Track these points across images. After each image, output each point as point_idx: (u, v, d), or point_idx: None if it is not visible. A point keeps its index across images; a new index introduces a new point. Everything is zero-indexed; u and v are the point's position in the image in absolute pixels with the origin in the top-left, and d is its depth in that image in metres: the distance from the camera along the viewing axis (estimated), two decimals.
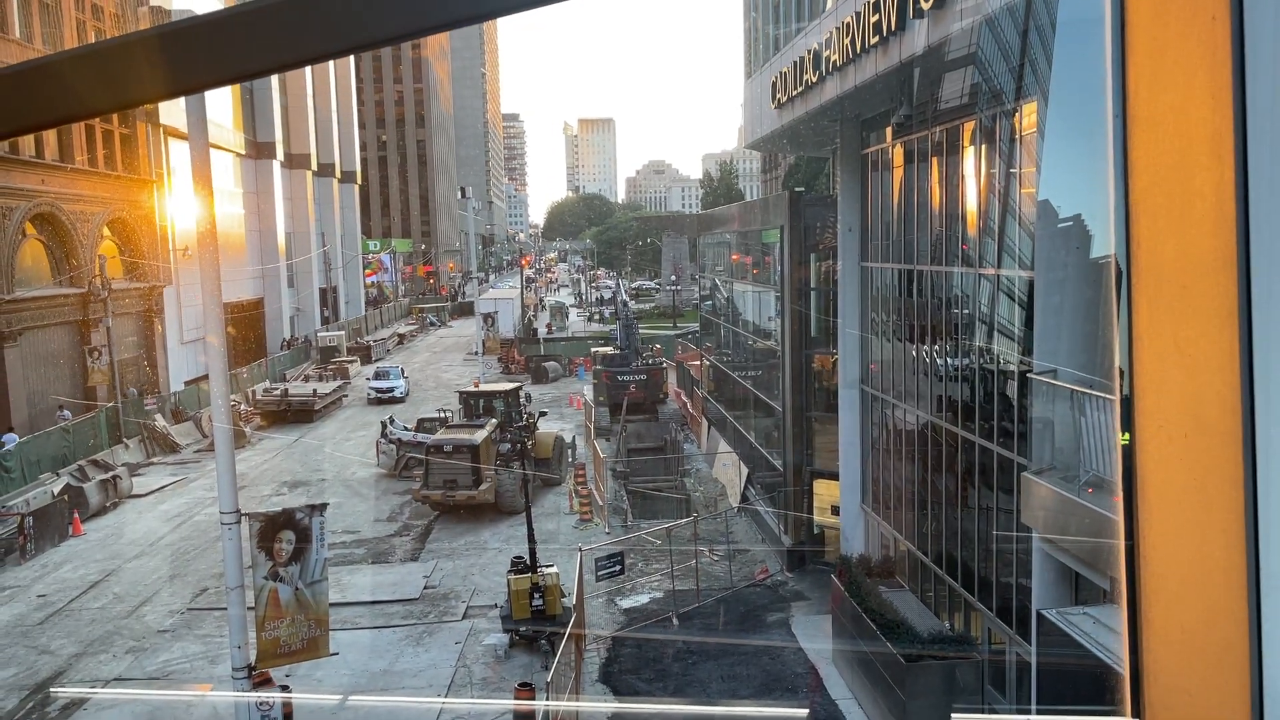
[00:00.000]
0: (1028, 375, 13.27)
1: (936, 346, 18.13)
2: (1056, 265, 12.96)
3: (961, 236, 16.86)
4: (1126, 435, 1.38)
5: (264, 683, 15.12)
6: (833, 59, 19.04)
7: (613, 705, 17.94)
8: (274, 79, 65.20)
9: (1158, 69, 1.24)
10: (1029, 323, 13.68)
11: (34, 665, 19.76)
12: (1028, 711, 13.30)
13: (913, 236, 19.16)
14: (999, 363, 15.30)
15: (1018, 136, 14.59)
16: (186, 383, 45.74)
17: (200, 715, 17.46)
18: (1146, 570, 1.34)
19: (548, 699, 15.31)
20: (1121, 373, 1.37)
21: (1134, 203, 1.29)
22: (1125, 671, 1.39)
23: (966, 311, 16.85)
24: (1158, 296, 1.26)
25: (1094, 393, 10.97)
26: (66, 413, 35.94)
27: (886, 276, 20.84)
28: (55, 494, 29.26)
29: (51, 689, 18.67)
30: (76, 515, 28.59)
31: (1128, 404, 1.35)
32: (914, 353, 19.21)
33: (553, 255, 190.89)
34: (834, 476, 23.65)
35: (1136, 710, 1.36)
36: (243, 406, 43.06)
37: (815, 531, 25.25)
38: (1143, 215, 1.28)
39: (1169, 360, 1.26)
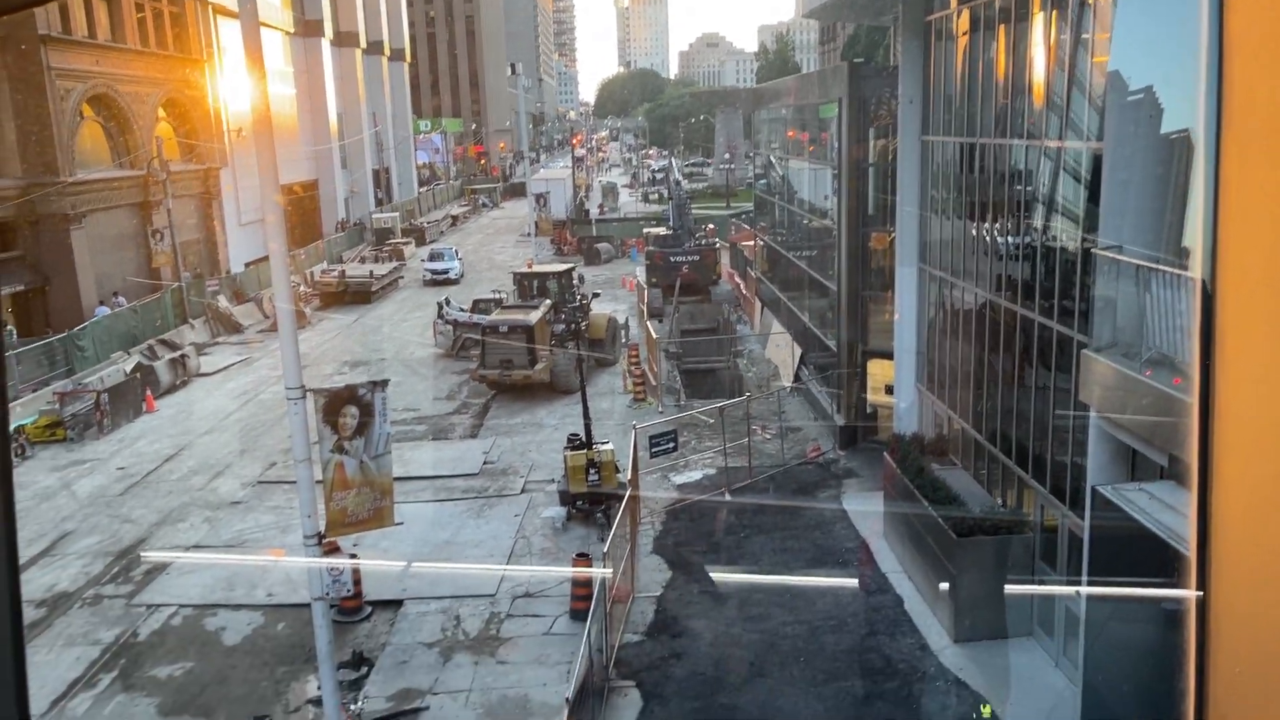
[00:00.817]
0: (1091, 251, 12.97)
1: (997, 223, 17.73)
2: (1126, 139, 12.49)
3: (1027, 108, 16.28)
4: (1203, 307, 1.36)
5: (333, 550, 15.81)
6: None
7: (667, 575, 18.49)
8: None
9: None
10: (1094, 198, 13.29)
11: (117, 533, 20.81)
12: (1077, 582, 13.47)
13: (976, 109, 18.53)
14: (1061, 239, 14.94)
15: (1090, 2, 13.89)
16: (246, 264, 46.47)
17: (274, 580, 18.36)
18: (1220, 439, 1.35)
19: (604, 569, 15.83)
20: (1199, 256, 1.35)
21: (1229, 44, 1.24)
22: (1191, 546, 1.41)
23: (1029, 187, 16.39)
24: (1249, 145, 1.22)
25: (1160, 268, 10.70)
26: (121, 299, 36.65)
27: (947, 151, 20.27)
28: (128, 372, 30.28)
29: (141, 551, 19.71)
30: (149, 392, 29.61)
31: (1210, 273, 1.33)
32: (974, 230, 18.81)
33: (604, 134, 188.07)
34: (888, 356, 23.55)
35: (1201, 584, 1.38)
36: (301, 288, 43.76)
37: (868, 410, 25.31)
38: (1237, 55, 1.23)
39: (1258, 225, 1.22)
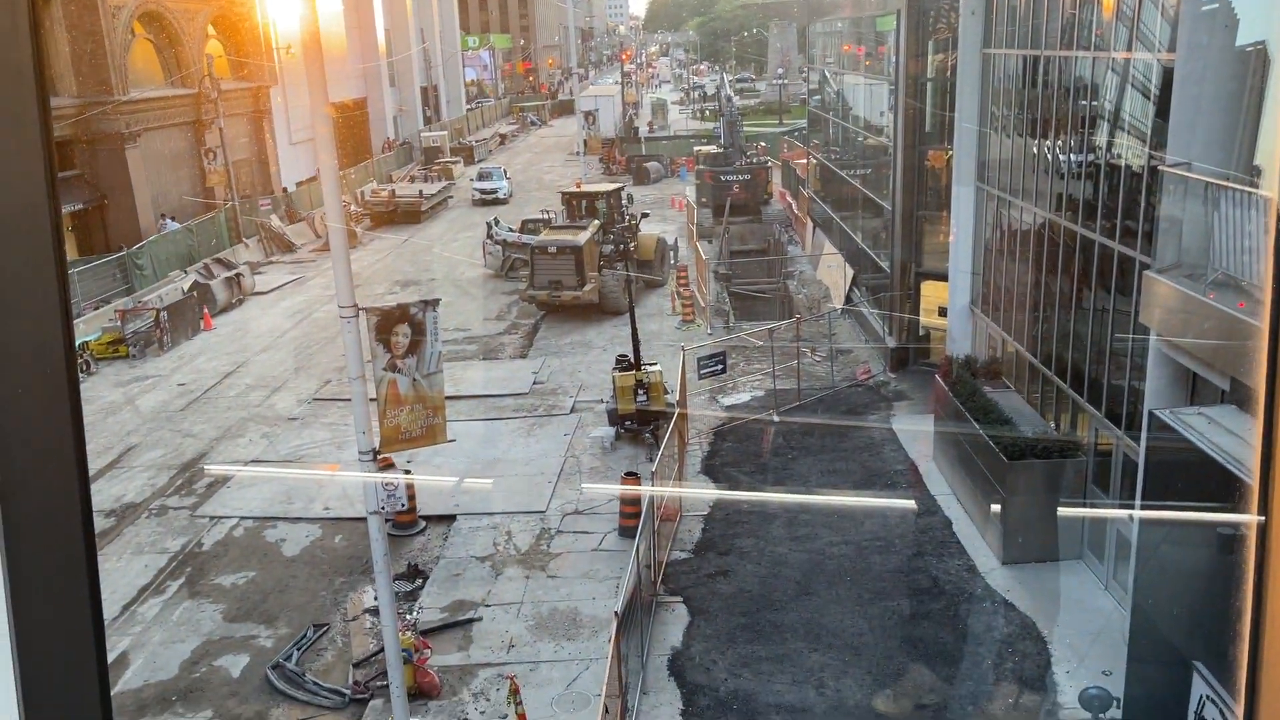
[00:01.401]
0: (1158, 169, 12.54)
1: (1059, 140, 17.19)
2: (1198, 51, 11.97)
3: (1095, 19, 15.63)
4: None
5: (387, 466, 16.14)
6: None
7: (714, 493, 18.66)
8: None
9: None
10: (1161, 114, 12.80)
11: (179, 447, 21.43)
12: (1130, 506, 13.35)
13: (1041, 20, 17.84)
14: (1126, 157, 14.46)
15: None
16: (298, 183, 46.73)
17: (331, 494, 18.84)
18: None
19: (653, 486, 16.00)
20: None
21: None
22: (1255, 470, 1.36)
23: (1094, 102, 15.82)
24: None
25: (1230, 185, 10.33)
26: (170, 221, 36.99)
27: (1010, 65, 19.61)
28: (185, 290, 30.83)
29: (204, 465, 20.31)
30: (206, 310, 30.18)
31: None
32: (1034, 147, 18.28)
33: (654, 49, 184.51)
34: (942, 278, 23.18)
35: (1264, 508, 1.34)
36: (352, 207, 43.97)
37: (921, 333, 25.04)
38: None
39: None
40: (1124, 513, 13.57)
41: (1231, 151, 11.29)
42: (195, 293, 30.71)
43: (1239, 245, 10.26)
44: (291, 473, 20.06)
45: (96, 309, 29.21)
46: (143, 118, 37.32)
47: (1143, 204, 13.53)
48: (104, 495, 18.96)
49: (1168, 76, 12.68)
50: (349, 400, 14.04)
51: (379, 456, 13.63)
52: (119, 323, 27.69)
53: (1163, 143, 12.47)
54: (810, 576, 15.68)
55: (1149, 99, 13.84)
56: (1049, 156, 17.56)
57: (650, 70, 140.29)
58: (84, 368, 25.90)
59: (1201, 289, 10.54)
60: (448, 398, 15.04)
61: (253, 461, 20.78)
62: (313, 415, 23.02)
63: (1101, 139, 15.38)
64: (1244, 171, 10.89)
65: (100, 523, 17.84)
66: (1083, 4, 16.05)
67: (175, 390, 24.88)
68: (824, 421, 22.03)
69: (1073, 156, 16.63)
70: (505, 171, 51.83)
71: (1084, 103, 16.17)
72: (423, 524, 17.66)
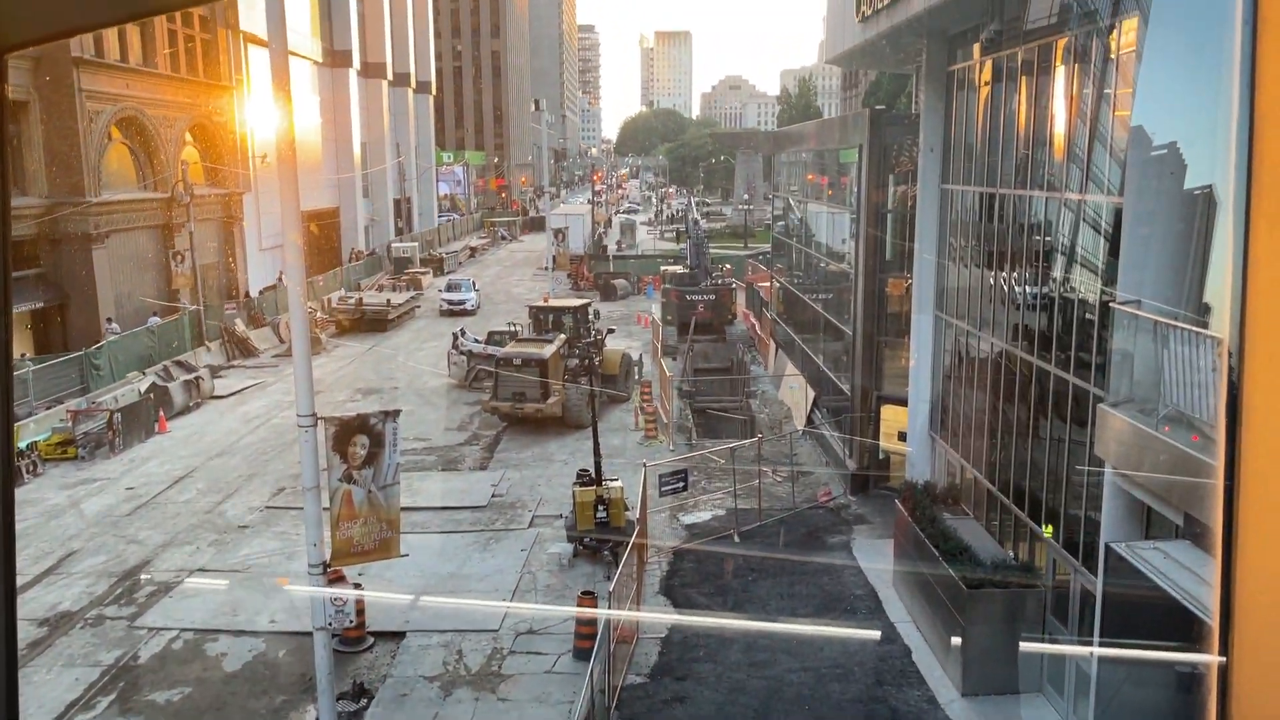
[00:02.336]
0: (1110, 305, 12.89)
1: (1014, 273, 17.68)
2: (1147, 194, 12.47)
3: (1047, 160, 16.28)
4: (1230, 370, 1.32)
5: (338, 580, 15.73)
6: None
7: (673, 617, 18.31)
8: None
9: None
10: (1113, 252, 13.24)
11: (123, 554, 20.77)
12: (1089, 643, 13.25)
13: (996, 159, 18.56)
14: (1079, 292, 14.87)
15: (1114, 56, 13.93)
16: (264, 289, 46.77)
17: (278, 605, 18.25)
18: (1245, 507, 1.29)
19: (609, 608, 15.68)
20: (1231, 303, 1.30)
21: (1260, 116, 1.21)
22: (1215, 611, 1.35)
23: (1048, 238, 16.35)
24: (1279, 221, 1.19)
25: (1179, 325, 10.62)
26: (115, 325, 36.44)
27: (966, 200, 20.29)
28: (142, 392, 30.40)
29: (142, 574, 19.65)
30: (162, 413, 29.71)
31: (1238, 334, 1.28)
32: (991, 279, 18.77)
33: (625, 171, 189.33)
34: (902, 402, 23.44)
35: (1224, 648, 1.32)
36: (318, 314, 43.98)
37: (881, 457, 25.15)
38: (1269, 130, 1.20)
39: None
40: (1085, 650, 13.46)
41: (1181, 289, 11.64)
42: (152, 394, 30.29)
43: (1190, 381, 10.48)
44: (236, 584, 19.45)
45: (49, 408, 28.66)
46: (112, 219, 37.41)
47: (1096, 337, 13.86)
48: (38, 603, 18.23)
49: (1118, 215, 13.15)
50: (302, 509, 13.77)
51: (329, 570, 13.30)
52: (70, 423, 27.15)
53: (1114, 278, 12.85)
54: (768, 704, 15.30)
55: (1101, 236, 14.32)
56: (1005, 288, 18.03)
57: (620, 191, 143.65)
58: (30, 469, 25.25)
59: (1154, 423, 10.72)
60: (403, 509, 14.81)
61: (198, 571, 20.16)
62: (264, 524, 22.49)
63: (1056, 273, 15.84)
64: (1194, 309, 11.22)
65: (31, 633, 17.10)
66: (1036, 145, 16.73)
67: (123, 494, 24.26)
68: (785, 547, 21.85)
69: (1028, 289, 17.09)
70: (474, 283, 52.29)
71: (1038, 238, 16.71)
72: (371, 640, 17.11)
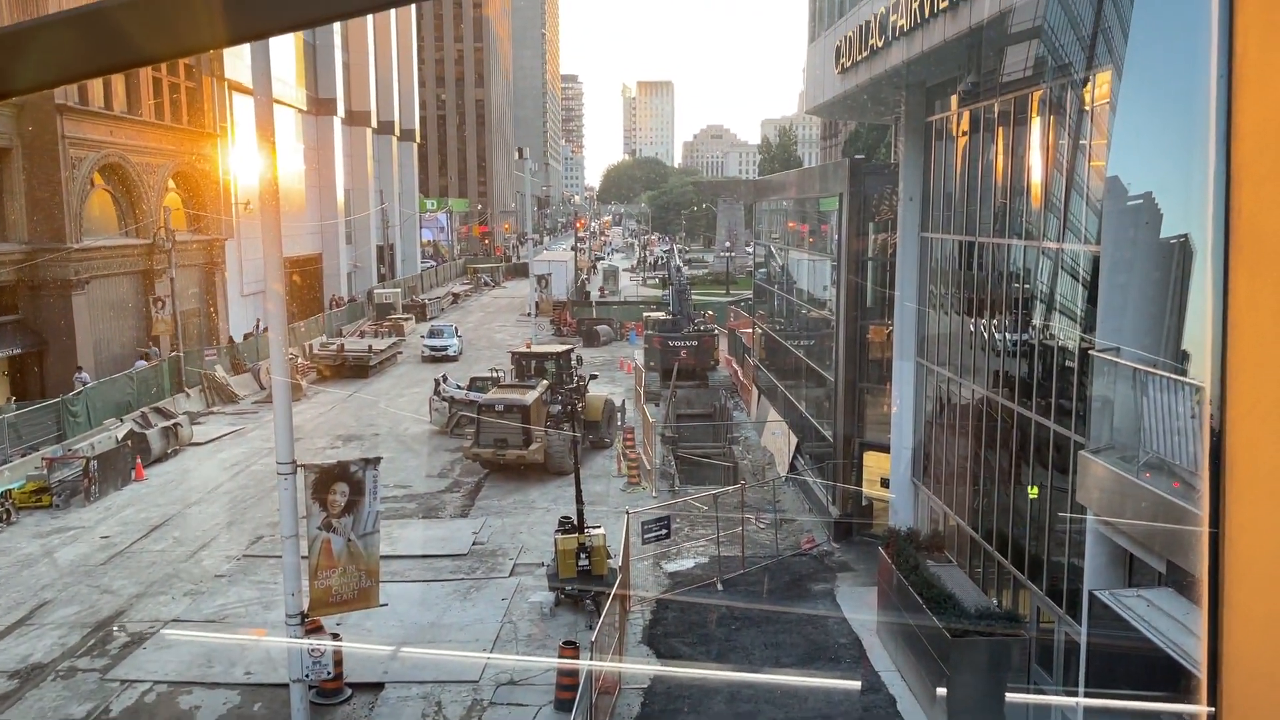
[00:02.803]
0: (1089, 352, 12.99)
1: (995, 321, 17.82)
2: (1124, 243, 12.63)
3: (1025, 209, 16.49)
4: (1214, 415, 1.32)
5: (315, 630, 15.49)
6: (900, 23, 18.63)
7: (655, 668, 18.10)
8: (336, 37, 65.62)
9: (1270, 26, 1.16)
10: (1092, 299, 13.38)
11: (96, 604, 20.41)
12: (1075, 692, 13.17)
13: (975, 208, 18.79)
14: (1059, 339, 14.99)
15: (1089, 108, 14.19)
16: (246, 335, 46.59)
17: (254, 658, 17.93)
18: (1231, 556, 1.29)
19: (591, 658, 15.49)
20: (1216, 351, 1.30)
21: (1236, 168, 1.22)
22: (1202, 659, 1.34)
23: (1027, 286, 16.52)
24: (1259, 268, 1.19)
25: (1158, 372, 10.71)
26: (85, 375, 35.99)
27: (946, 248, 20.49)
28: (119, 439, 30.08)
29: (115, 626, 19.29)
30: (139, 460, 29.37)
31: (1219, 382, 1.29)
32: (971, 326, 18.91)
33: (607, 218, 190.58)
34: (884, 449, 23.46)
35: (1213, 699, 1.31)
36: (299, 360, 43.79)
37: (864, 503, 25.11)
38: (1246, 182, 1.21)
39: (1268, 336, 1.19)
40: (1071, 700, 13.37)
41: (1159, 337, 11.75)
42: (129, 442, 29.96)
43: (1169, 428, 10.54)
44: (213, 636, 19.14)
45: (24, 456, 28.30)
46: (93, 265, 37.27)
47: (1076, 384, 13.94)
48: (8, 655, 17.85)
49: (1097, 264, 13.31)
50: (280, 557, 13.59)
51: (306, 620, 13.10)
52: (45, 471, 26.80)
53: (1094, 326, 12.97)
54: None
55: (1080, 284, 14.48)
56: (986, 335, 18.15)
57: (603, 238, 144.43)
58: (3, 517, 24.87)
59: (1135, 470, 10.75)
60: (383, 557, 14.64)
61: (173, 621, 19.82)
62: (242, 573, 22.17)
63: (1036, 320, 15.97)
64: (1172, 357, 11.32)
65: (1, 685, 16.73)
66: (1014, 195, 16.95)
67: (98, 543, 23.89)
68: (768, 595, 21.70)
69: (1008, 336, 17.21)
70: (456, 329, 52.25)
71: (1018, 286, 16.87)
72: (349, 692, 16.81)
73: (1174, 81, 10.81)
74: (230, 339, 45.64)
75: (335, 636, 16.59)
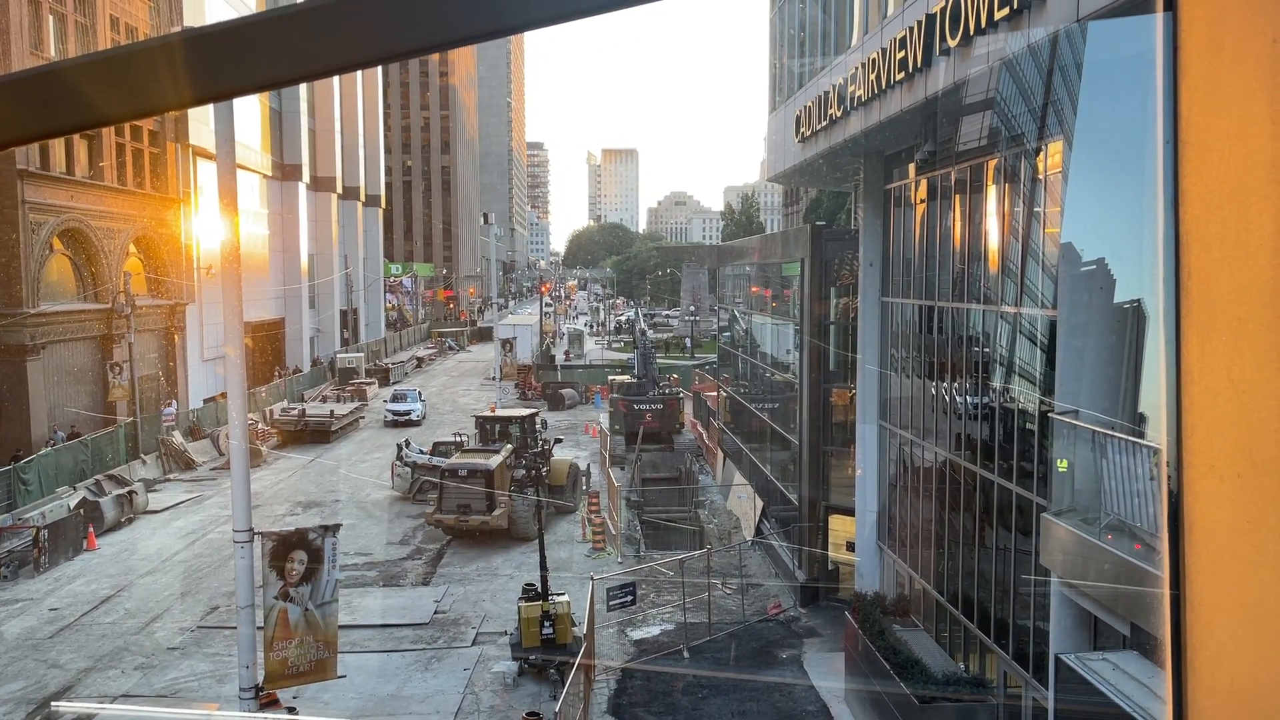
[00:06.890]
0: (1049, 415, 13.13)
1: (956, 384, 17.99)
2: (1080, 307, 12.86)
3: (983, 275, 16.78)
4: (1171, 476, 1.32)
5: (271, 703, 15.03)
6: (857, 94, 19.07)
7: None
8: (303, 103, 66.04)
9: (1213, 93, 1.19)
10: (1050, 363, 13.56)
11: (42, 679, 19.73)
12: None
13: (934, 273, 19.08)
14: (1019, 402, 15.15)
15: (1042, 176, 14.54)
16: (205, 400, 45.96)
17: None
18: (1193, 618, 1.28)
19: None
20: (1171, 409, 1.31)
21: (1185, 233, 1.24)
22: None
23: (987, 350, 16.73)
24: (1210, 330, 1.20)
25: (1116, 435, 10.83)
26: (61, 434, 35.53)
27: (906, 312, 20.75)
28: (71, 508, 29.36)
29: (54, 703, 18.62)
30: (91, 529, 28.66)
31: (1175, 443, 1.29)
32: (933, 390, 19.08)
33: (573, 283, 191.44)
34: (850, 512, 23.44)
35: None
36: (260, 425, 43.19)
37: (830, 567, 25.00)
38: (1195, 245, 1.23)
39: (1221, 397, 1.19)
40: None
41: (1117, 399, 11.92)
42: (82, 510, 29.25)
43: (1129, 489, 10.64)
44: (164, 711, 18.53)
45: None
46: (50, 330, 36.72)
47: (1037, 447, 14.06)
48: None
49: (1054, 328, 13.52)
50: (235, 629, 13.23)
51: (262, 693, 12.73)
52: None
53: (1053, 388, 13.13)
54: None
55: (1038, 347, 14.69)
56: (947, 398, 18.32)
57: (568, 302, 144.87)
58: None
59: (1097, 532, 10.81)
60: (342, 626, 14.30)
61: (122, 697, 19.17)
62: (195, 645, 21.56)
63: (996, 383, 16.15)
64: (1130, 419, 11.46)
65: None
66: (971, 260, 17.25)
67: (46, 615, 23.17)
68: (736, 663, 21.43)
69: (969, 399, 17.37)
70: (420, 393, 51.89)
71: (978, 349, 17.08)
72: None
73: (1123, 150, 11.12)
74: (190, 408, 44.97)
75: (292, 710, 16.11)
